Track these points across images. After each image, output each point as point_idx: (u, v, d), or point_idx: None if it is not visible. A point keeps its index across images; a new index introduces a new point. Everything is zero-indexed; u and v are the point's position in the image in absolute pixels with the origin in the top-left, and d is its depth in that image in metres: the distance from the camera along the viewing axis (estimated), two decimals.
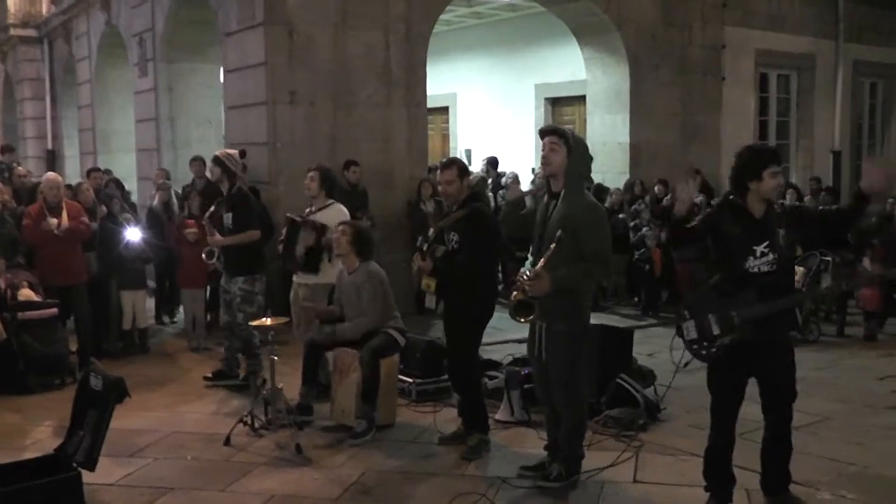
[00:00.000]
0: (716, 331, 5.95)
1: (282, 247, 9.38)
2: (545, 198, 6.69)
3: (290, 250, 9.25)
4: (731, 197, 6.05)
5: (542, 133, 6.59)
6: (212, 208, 9.87)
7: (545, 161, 6.47)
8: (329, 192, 9.46)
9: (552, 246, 6.19)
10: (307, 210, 9.50)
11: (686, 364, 6.53)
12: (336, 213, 9.27)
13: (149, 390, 9.58)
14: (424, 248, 7.33)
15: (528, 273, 6.29)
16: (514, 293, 6.29)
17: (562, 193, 6.46)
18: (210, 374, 9.97)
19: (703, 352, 6.05)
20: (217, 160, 9.64)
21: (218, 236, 9.57)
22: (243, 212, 9.58)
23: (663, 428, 8.25)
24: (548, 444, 7.01)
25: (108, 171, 16.68)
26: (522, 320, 6.41)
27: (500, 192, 15.79)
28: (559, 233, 6.21)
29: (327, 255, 9.03)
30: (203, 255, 9.91)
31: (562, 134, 6.50)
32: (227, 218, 9.61)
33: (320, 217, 9.25)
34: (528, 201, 12.68)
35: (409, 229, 13.33)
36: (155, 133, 16.98)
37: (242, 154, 10.31)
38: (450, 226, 7.45)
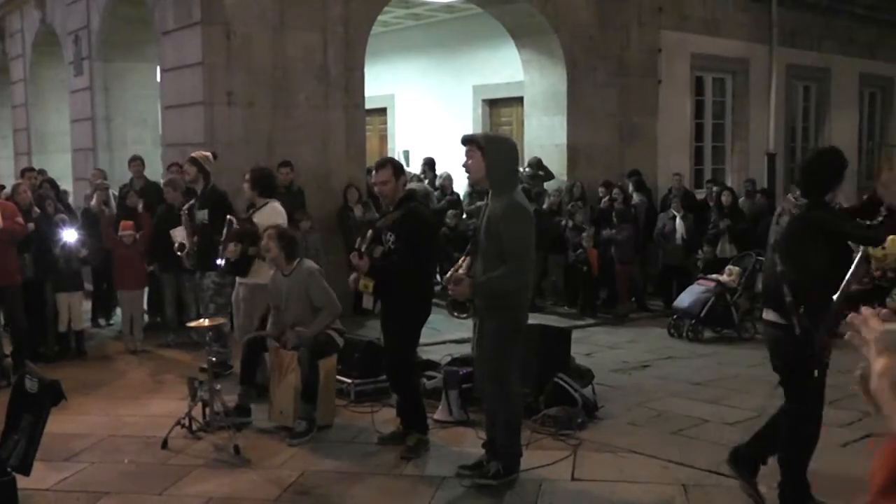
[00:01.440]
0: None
1: (221, 248, 9.37)
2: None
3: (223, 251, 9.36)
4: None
5: (462, 143, 6.74)
6: (191, 202, 10.27)
7: (465, 169, 6.74)
8: (264, 192, 9.53)
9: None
10: (250, 211, 9.56)
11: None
12: (270, 213, 9.36)
13: (85, 394, 9.49)
14: (363, 248, 7.34)
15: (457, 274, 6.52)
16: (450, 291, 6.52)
17: (489, 194, 6.64)
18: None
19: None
20: (194, 161, 10.09)
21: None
22: (220, 209, 9.86)
23: (601, 426, 8.32)
24: (485, 442, 7.05)
25: (42, 172, 16.45)
26: (457, 315, 6.70)
27: (436, 192, 15.83)
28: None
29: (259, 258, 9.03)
30: (176, 249, 9.96)
31: (472, 140, 6.70)
32: (202, 214, 9.95)
33: (257, 217, 9.28)
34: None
35: (341, 234, 13.31)
36: (91, 133, 16.79)
37: (215, 156, 10.48)
38: (387, 226, 7.46)
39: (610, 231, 14.38)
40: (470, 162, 6.62)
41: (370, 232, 7.51)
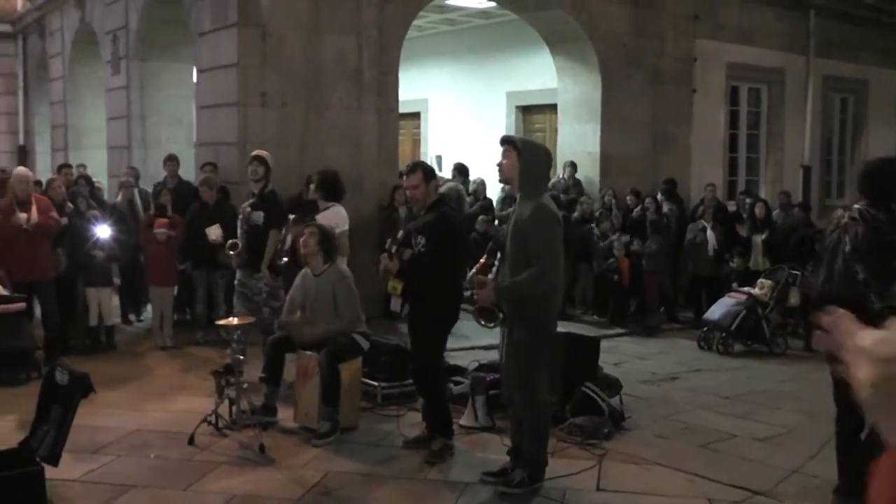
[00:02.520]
0: None
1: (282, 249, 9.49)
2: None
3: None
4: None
5: (500, 143, 6.80)
6: (251, 201, 10.18)
7: (498, 168, 6.75)
8: (329, 195, 9.56)
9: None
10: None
11: None
12: (333, 216, 9.38)
13: (114, 388, 9.53)
14: (393, 249, 7.34)
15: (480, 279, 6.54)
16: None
17: (518, 199, 6.66)
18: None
19: None
20: (263, 160, 10.13)
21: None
22: (278, 210, 10.06)
23: (627, 437, 8.28)
24: (510, 449, 7.04)
25: (82, 167, 16.63)
26: (484, 324, 6.67)
27: (469, 197, 15.81)
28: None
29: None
30: (228, 249, 9.85)
31: (510, 141, 6.78)
32: (258, 216, 9.96)
33: (321, 218, 9.28)
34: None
35: (377, 234, 13.31)
36: (126, 131, 16.91)
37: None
38: (417, 229, 7.48)
39: (640, 242, 14.31)
40: (505, 162, 6.66)
41: (400, 233, 7.53)
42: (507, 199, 15.08)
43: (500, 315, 6.57)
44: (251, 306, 9.82)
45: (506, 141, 6.79)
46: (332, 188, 9.65)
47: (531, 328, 6.56)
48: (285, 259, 9.89)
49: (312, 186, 9.62)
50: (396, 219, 12.92)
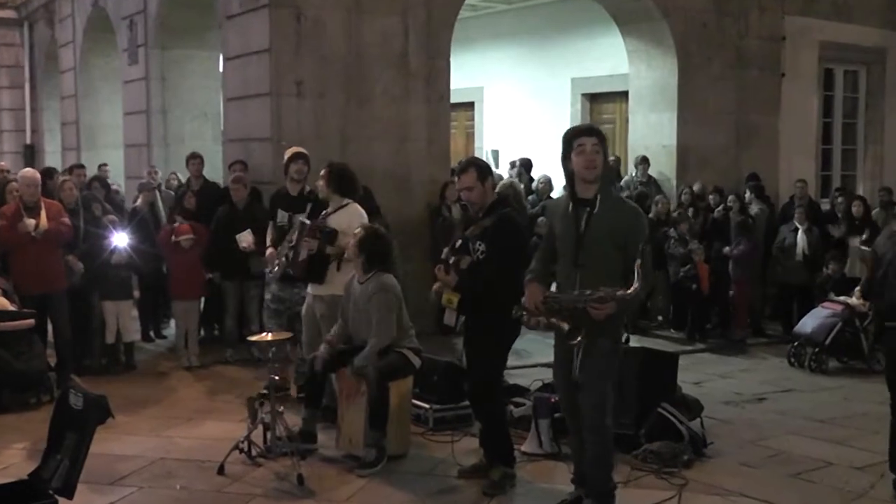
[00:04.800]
0: None
1: (291, 253, 9.38)
2: (568, 206, 6.69)
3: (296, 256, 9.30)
4: None
5: (580, 132, 6.64)
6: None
7: (592, 164, 6.48)
8: (342, 190, 9.38)
9: (637, 262, 6.21)
10: (323, 213, 9.51)
11: None
12: (350, 215, 9.25)
13: (134, 412, 9.64)
14: (451, 260, 7.34)
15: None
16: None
17: (598, 199, 6.49)
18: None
19: None
20: (306, 158, 10.41)
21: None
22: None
23: (710, 465, 8.24)
24: (575, 477, 7.02)
25: (104, 167, 16.84)
26: (572, 341, 6.46)
27: (531, 197, 15.80)
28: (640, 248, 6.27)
29: (336, 263, 9.04)
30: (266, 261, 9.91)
31: (601, 134, 6.63)
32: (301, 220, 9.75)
33: (335, 219, 9.24)
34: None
35: (429, 238, 13.35)
36: (145, 127, 17.06)
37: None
38: (476, 235, 7.44)
39: (726, 246, 14.22)
40: (598, 157, 6.48)
41: (458, 242, 7.52)
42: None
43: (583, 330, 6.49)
44: (283, 322, 9.85)
45: (595, 132, 6.61)
46: (347, 182, 9.46)
47: (610, 338, 6.55)
48: (275, 268, 9.83)
49: (321, 183, 9.46)
50: (449, 220, 12.92)
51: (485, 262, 7.31)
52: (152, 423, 9.41)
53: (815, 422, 9.77)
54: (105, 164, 17.50)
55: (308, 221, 9.30)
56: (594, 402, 6.58)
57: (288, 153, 10.68)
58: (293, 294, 10.00)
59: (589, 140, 6.48)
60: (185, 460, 8.25)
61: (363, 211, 9.50)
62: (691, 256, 13.86)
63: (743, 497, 7.42)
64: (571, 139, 6.54)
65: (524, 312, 6.65)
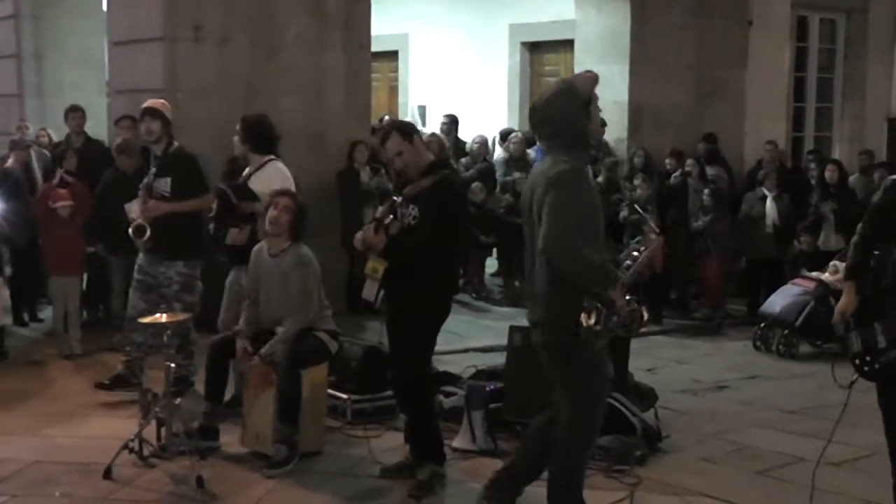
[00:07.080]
0: (881, 343, 6.07)
1: (212, 227, 9.31)
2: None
3: (221, 235, 9.26)
4: None
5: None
6: (153, 171, 9.83)
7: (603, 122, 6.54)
8: (260, 147, 9.32)
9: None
10: (244, 173, 9.42)
11: (852, 383, 6.85)
12: (271, 175, 9.18)
13: (7, 408, 9.59)
14: (386, 221, 7.34)
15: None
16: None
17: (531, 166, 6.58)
18: (106, 381, 9.97)
19: (866, 368, 6.21)
20: (156, 113, 9.69)
21: (156, 203, 9.54)
22: (188, 175, 9.65)
23: (665, 461, 8.36)
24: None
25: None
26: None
27: (463, 159, 15.79)
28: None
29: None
30: (130, 231, 9.74)
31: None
32: (163, 183, 9.64)
33: (255, 181, 9.18)
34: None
35: (339, 206, 13.32)
36: (16, 74, 16.85)
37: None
38: (411, 196, 7.40)
39: (704, 219, 14.25)
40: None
41: (389, 202, 7.52)
42: (511, 162, 15.12)
43: None
44: (153, 298, 9.71)
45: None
46: (263, 136, 9.39)
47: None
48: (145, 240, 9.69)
49: (237, 139, 9.38)
50: (360, 184, 12.96)
51: (417, 228, 7.31)
52: (28, 421, 9.32)
53: (785, 413, 9.93)
54: None
55: (234, 198, 9.16)
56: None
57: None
58: (159, 272, 9.80)
59: None
60: (66, 463, 8.20)
61: (287, 170, 9.41)
62: (641, 228, 13.92)
63: (703, 497, 7.53)
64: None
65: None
